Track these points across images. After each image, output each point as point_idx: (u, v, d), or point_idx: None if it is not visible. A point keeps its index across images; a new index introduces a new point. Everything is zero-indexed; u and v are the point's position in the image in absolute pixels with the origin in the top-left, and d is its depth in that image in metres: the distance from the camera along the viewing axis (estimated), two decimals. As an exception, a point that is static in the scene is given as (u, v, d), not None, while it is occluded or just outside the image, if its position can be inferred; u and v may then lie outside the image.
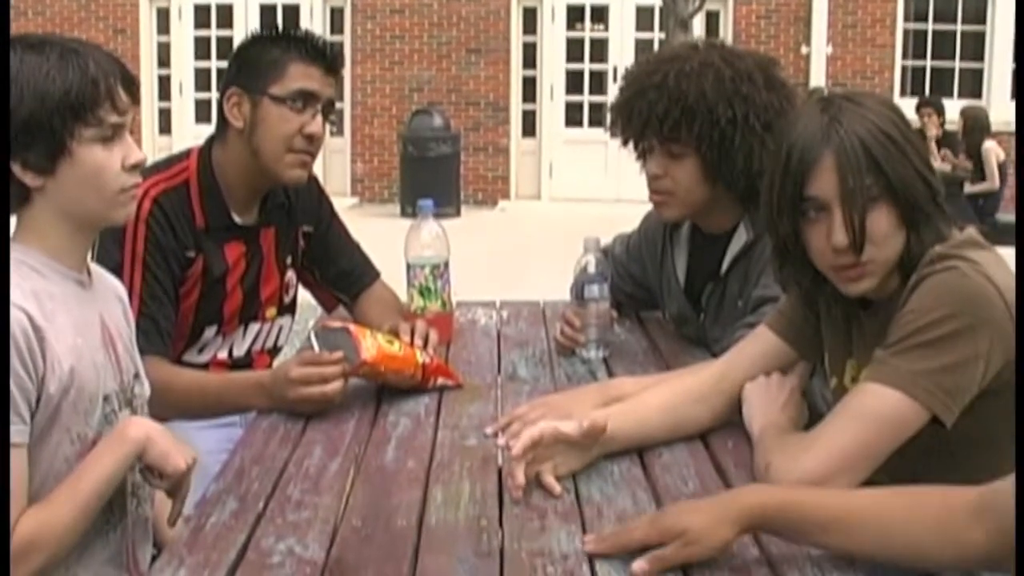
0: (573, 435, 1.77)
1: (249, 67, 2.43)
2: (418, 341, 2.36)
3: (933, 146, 11.00)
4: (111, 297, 1.86)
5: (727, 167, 2.35)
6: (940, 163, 10.83)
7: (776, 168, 1.76)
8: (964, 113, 11.03)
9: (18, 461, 1.56)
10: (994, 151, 10.59)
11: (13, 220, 1.70)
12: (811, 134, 1.71)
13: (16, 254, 1.65)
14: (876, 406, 1.66)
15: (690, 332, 2.62)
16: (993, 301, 1.64)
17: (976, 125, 10.78)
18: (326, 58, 2.43)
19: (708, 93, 2.32)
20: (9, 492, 1.52)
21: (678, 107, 2.33)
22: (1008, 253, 1.79)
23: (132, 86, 1.69)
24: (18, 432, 1.56)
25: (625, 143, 2.47)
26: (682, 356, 2.48)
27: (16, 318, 1.55)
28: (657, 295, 2.74)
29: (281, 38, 2.43)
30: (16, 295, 1.57)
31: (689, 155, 2.37)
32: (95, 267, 1.84)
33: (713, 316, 2.52)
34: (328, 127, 2.46)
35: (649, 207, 2.61)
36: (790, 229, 1.76)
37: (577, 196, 12.91)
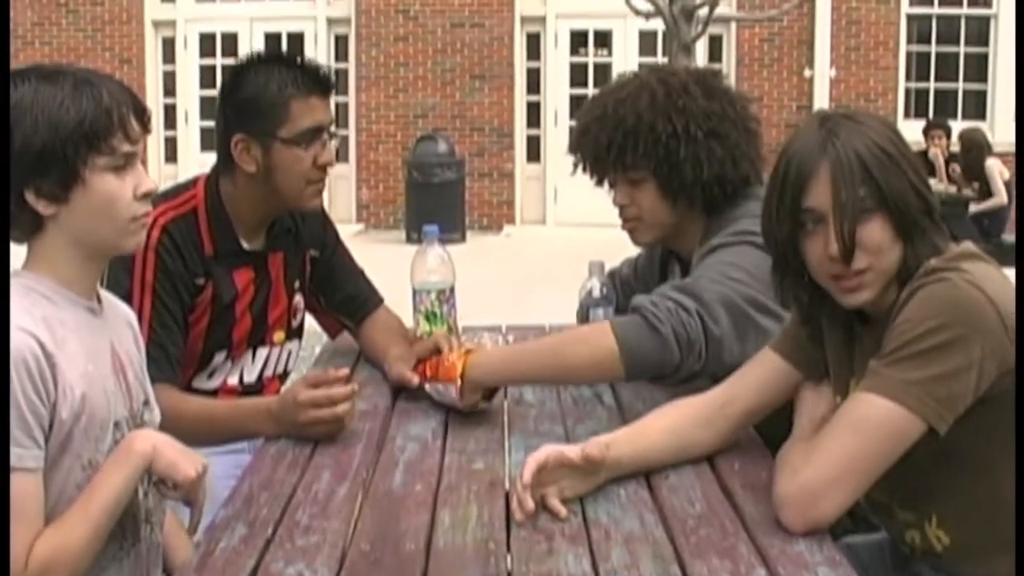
0: (575, 459, 1.78)
1: (250, 112, 2.41)
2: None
3: (942, 165, 11.06)
4: (121, 324, 1.88)
5: (678, 181, 2.39)
6: (947, 184, 10.88)
7: (774, 181, 1.79)
8: (961, 136, 11.10)
9: (33, 486, 1.57)
10: (997, 167, 10.64)
11: (23, 249, 1.71)
12: (809, 147, 1.74)
13: (27, 281, 1.67)
14: (869, 416, 1.66)
15: None
16: (985, 311, 1.64)
17: (973, 145, 10.84)
18: (321, 83, 2.43)
19: (644, 113, 2.37)
20: (9, 502, 1.53)
21: (619, 133, 2.38)
22: (1013, 273, 1.79)
23: (144, 116, 1.71)
24: (33, 457, 1.57)
25: (599, 183, 2.51)
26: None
27: (27, 344, 1.56)
28: None
29: (271, 72, 2.40)
30: (27, 321, 1.59)
31: (647, 179, 2.42)
32: (105, 294, 1.85)
33: None
34: (334, 148, 2.49)
35: None
36: (788, 242, 1.78)
37: (582, 221, 12.88)
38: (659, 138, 2.36)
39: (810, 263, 1.78)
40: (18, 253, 1.71)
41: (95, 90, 1.65)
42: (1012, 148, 11.51)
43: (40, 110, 1.62)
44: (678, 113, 2.36)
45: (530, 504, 1.71)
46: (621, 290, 2.78)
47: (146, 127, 1.72)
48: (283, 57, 2.46)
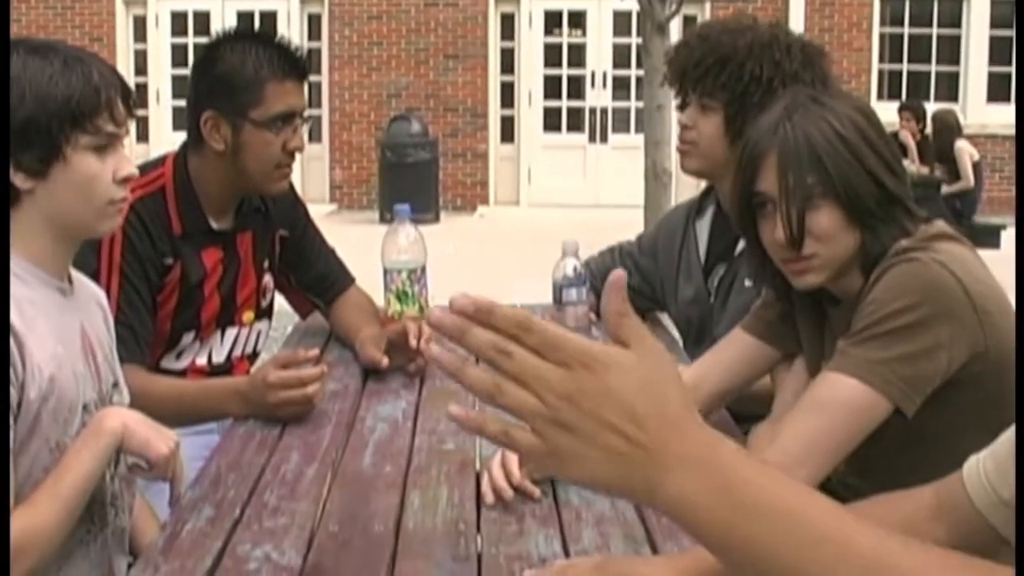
0: None
1: (223, 88, 2.38)
2: (414, 342, 2.38)
3: (914, 147, 11.10)
4: (92, 305, 1.86)
5: (742, 123, 2.37)
6: (919, 165, 10.91)
7: (736, 163, 1.78)
8: (934, 117, 11.14)
9: None
10: (967, 150, 10.68)
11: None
12: (763, 131, 1.75)
13: (-2, 260, 1.64)
14: (834, 394, 1.66)
15: (700, 315, 2.62)
16: (953, 292, 1.64)
17: (944, 127, 10.88)
18: (298, 67, 2.41)
19: (741, 48, 2.38)
20: (9, 492, 1.51)
21: (711, 57, 2.40)
22: (985, 255, 1.79)
23: (130, 99, 1.70)
24: (2, 438, 1.55)
25: (676, 96, 2.53)
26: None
27: (-5, 324, 1.54)
28: (668, 286, 2.73)
29: (248, 50, 2.37)
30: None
31: (717, 110, 2.42)
32: (76, 274, 1.83)
33: (722, 299, 2.53)
34: (305, 133, 2.46)
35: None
36: (748, 223, 1.78)
37: (555, 201, 12.92)
38: (742, 76, 2.37)
39: (765, 245, 1.78)
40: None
41: (85, 68, 1.64)
42: (983, 130, 11.56)
43: (28, 83, 1.60)
44: (770, 63, 2.37)
45: (510, 493, 1.71)
46: (620, 262, 2.78)
47: (131, 111, 1.71)
48: (261, 35, 2.44)
